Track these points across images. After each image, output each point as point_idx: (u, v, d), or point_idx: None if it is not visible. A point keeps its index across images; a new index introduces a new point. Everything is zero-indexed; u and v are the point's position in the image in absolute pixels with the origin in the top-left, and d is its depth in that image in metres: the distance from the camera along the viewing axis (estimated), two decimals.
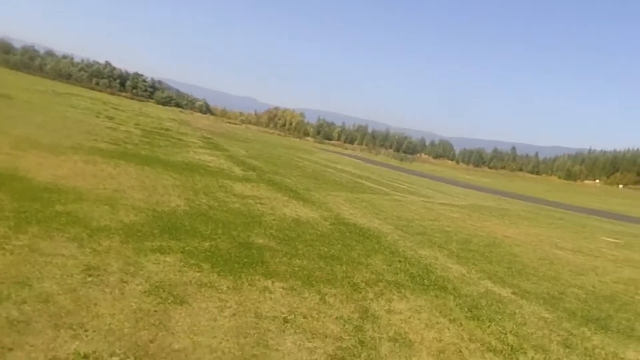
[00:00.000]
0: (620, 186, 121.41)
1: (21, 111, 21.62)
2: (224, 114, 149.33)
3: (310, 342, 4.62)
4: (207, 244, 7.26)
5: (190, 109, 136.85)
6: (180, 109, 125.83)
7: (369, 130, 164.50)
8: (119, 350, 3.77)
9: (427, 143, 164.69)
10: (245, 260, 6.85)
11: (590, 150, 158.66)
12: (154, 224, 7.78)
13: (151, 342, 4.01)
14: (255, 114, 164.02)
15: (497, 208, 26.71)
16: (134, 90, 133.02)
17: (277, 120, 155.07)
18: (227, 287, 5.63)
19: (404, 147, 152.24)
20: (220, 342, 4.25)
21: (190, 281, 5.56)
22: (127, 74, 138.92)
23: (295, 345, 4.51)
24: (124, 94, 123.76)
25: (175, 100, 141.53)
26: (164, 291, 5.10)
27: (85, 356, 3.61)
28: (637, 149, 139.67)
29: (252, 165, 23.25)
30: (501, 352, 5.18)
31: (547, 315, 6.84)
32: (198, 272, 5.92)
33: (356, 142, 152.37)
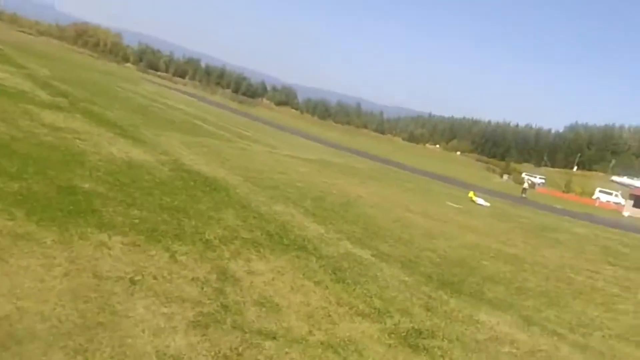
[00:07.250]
0: (458, 153, 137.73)
1: None
2: (14, 20, 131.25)
3: (165, 307, 4.42)
4: (16, 185, 6.50)
5: None
6: None
7: (202, 64, 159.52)
8: None
9: (269, 88, 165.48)
10: (71, 207, 6.28)
11: (430, 114, 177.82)
12: None
13: None
14: (57, 26, 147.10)
15: (346, 165, 28.14)
16: None
17: (87, 38, 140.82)
18: (53, 240, 5.11)
19: (243, 89, 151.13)
20: (54, 308, 3.84)
21: (1, 231, 4.93)
22: None
23: (149, 310, 4.27)
24: None
25: None
26: None
27: None
28: (472, 118, 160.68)
29: (61, 90, 21.25)
30: (369, 315, 5.54)
31: (406, 279, 7.45)
32: (9, 220, 5.28)
33: (187, 77, 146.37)
